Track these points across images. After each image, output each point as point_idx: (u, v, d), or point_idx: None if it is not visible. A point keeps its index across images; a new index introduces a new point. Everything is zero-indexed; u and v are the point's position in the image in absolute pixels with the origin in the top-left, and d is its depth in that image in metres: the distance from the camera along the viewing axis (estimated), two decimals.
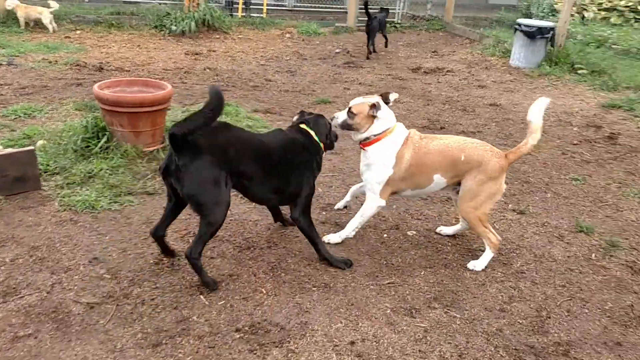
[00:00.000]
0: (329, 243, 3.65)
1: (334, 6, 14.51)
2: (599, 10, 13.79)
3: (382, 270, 3.51)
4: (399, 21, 13.91)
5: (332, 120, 3.62)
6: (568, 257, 3.79)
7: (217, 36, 10.72)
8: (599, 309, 3.25)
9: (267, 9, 12.90)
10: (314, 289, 3.22)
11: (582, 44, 10.83)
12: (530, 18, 12.78)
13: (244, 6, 12.41)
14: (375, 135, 3.52)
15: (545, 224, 4.23)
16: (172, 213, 3.22)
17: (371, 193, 3.61)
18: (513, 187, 4.85)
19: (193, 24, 10.33)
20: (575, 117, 7.01)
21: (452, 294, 3.31)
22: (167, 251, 3.38)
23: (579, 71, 9.13)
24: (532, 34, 9.37)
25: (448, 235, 3.94)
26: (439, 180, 3.54)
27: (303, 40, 11.42)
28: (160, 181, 4.32)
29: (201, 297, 3.07)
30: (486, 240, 3.56)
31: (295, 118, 3.69)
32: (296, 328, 2.88)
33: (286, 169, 3.27)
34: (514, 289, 3.40)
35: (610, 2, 13.95)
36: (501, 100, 7.69)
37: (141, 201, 4.12)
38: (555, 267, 3.65)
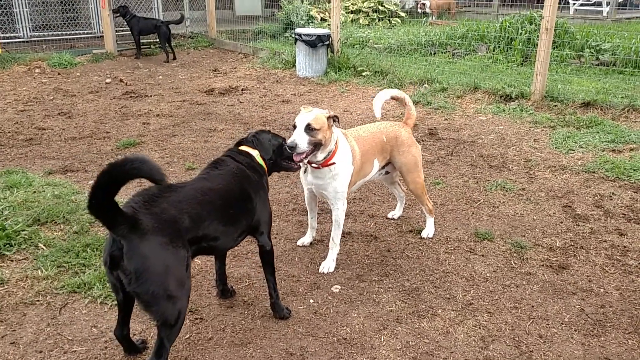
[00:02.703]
0: (329, 272, 3.53)
1: (82, 32, 12.64)
2: (347, 13, 14.73)
3: (341, 353, 2.77)
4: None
5: (290, 150, 3.09)
6: (494, 271, 3.57)
7: None
8: (562, 324, 3.06)
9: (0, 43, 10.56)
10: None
11: (347, 47, 11.31)
12: (292, 27, 12.97)
13: None
14: (334, 146, 3.33)
15: (448, 239, 3.97)
16: (126, 306, 2.54)
17: (339, 200, 3.49)
18: (390, 204, 4.53)
19: None
20: (388, 119, 7.09)
21: (428, 356, 2.76)
22: (132, 349, 2.71)
23: (363, 73, 9.42)
24: (314, 43, 9.36)
25: (400, 217, 4.29)
26: (376, 164, 3.72)
27: (59, 74, 9.62)
28: None
29: None
30: (426, 207, 3.96)
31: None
32: None
33: (245, 203, 2.82)
34: (478, 327, 3.01)
35: (354, 4, 15.04)
36: None
37: None
38: (493, 288, 3.39)
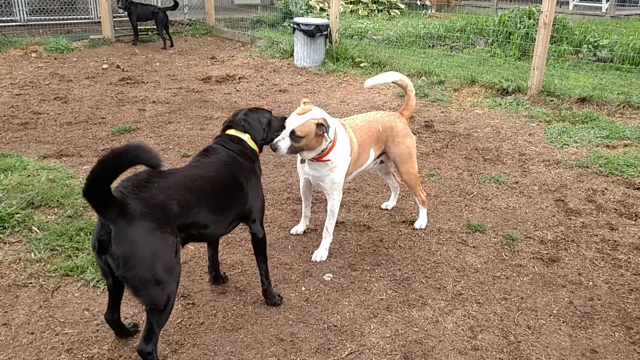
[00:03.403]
0: (321, 261, 3.54)
1: (79, 17, 12.56)
2: (346, 3, 14.67)
3: (331, 339, 2.80)
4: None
5: (273, 150, 3.12)
6: (485, 263, 3.60)
7: None
8: (550, 315, 3.09)
9: None
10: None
11: (345, 37, 11.27)
12: (291, 17, 12.92)
13: None
14: (330, 143, 3.29)
15: (440, 230, 4.00)
16: (116, 290, 2.56)
17: (335, 191, 3.50)
18: (384, 195, 4.55)
19: None
20: (385, 110, 7.09)
21: (417, 344, 2.79)
22: (123, 333, 2.73)
23: (361, 64, 9.41)
24: (312, 33, 9.33)
25: (394, 207, 4.32)
26: (372, 154, 3.72)
27: (56, 58, 9.56)
28: None
29: None
30: (419, 198, 3.97)
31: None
32: None
33: (236, 191, 2.80)
34: (467, 317, 3.04)
35: None
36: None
37: None
38: (483, 279, 3.42)
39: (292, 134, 3.12)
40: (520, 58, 9.66)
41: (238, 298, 3.15)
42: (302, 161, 3.50)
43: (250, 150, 2.97)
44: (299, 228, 3.92)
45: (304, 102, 3.30)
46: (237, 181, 2.81)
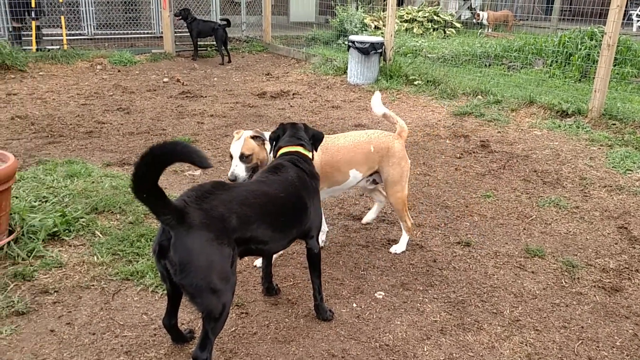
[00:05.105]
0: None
1: (142, 31, 13.11)
2: (401, 22, 14.70)
3: (383, 358, 2.77)
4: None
5: (232, 182, 3.14)
6: (544, 289, 3.49)
7: (12, 76, 8.77)
8: (613, 347, 2.96)
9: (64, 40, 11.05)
10: None
11: (399, 55, 11.27)
12: (346, 35, 13.04)
13: (36, 39, 10.38)
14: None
15: (497, 254, 3.91)
16: (175, 296, 2.62)
17: None
18: (438, 215, 4.49)
19: None
20: (439, 129, 7.04)
21: None
22: (179, 338, 2.79)
23: (415, 82, 9.38)
24: (367, 50, 9.39)
25: (374, 220, 4.22)
26: (355, 174, 3.64)
27: (119, 71, 9.98)
28: (30, 289, 3.04)
29: None
30: (404, 224, 3.86)
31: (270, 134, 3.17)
32: None
33: (300, 213, 2.83)
34: (525, 344, 2.94)
35: (409, 14, 14.99)
36: (362, 120, 7.43)
37: (14, 328, 2.80)
38: (541, 306, 3.31)
39: (242, 156, 3.20)
40: (580, 80, 9.40)
41: (290, 310, 3.16)
42: None
43: (315, 169, 3.00)
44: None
45: (237, 132, 3.34)
46: (301, 202, 2.83)
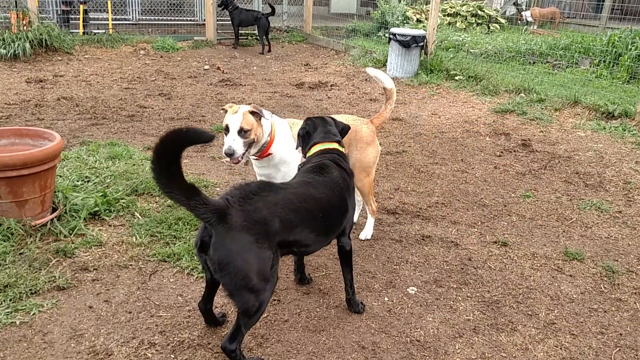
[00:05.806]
0: None
1: (185, 18, 13.28)
2: (444, 16, 14.47)
3: (414, 353, 2.76)
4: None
5: (230, 157, 3.14)
6: (581, 293, 3.40)
7: (60, 58, 9.01)
8: None
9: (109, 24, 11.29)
10: None
11: (441, 49, 11.10)
12: (387, 27, 12.93)
13: (83, 22, 10.64)
14: (268, 137, 3.29)
15: (535, 255, 3.83)
16: (213, 284, 2.64)
17: None
18: (475, 213, 4.43)
19: (27, 45, 8.54)
20: (479, 126, 6.92)
21: None
22: (212, 322, 2.83)
23: (456, 77, 9.23)
24: (407, 43, 9.29)
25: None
26: None
27: (162, 57, 10.15)
28: (71, 265, 3.13)
29: None
30: (369, 207, 3.89)
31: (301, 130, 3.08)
32: None
33: (342, 215, 2.84)
34: (560, 348, 2.88)
35: (452, 7, 14.75)
36: (400, 114, 7.36)
37: (54, 302, 2.89)
38: (578, 310, 3.23)
39: (241, 130, 3.11)
40: (628, 81, 9.09)
41: (321, 300, 3.17)
42: (247, 163, 3.48)
43: (347, 162, 3.00)
44: None
45: (230, 106, 3.26)
46: (344, 204, 2.83)
